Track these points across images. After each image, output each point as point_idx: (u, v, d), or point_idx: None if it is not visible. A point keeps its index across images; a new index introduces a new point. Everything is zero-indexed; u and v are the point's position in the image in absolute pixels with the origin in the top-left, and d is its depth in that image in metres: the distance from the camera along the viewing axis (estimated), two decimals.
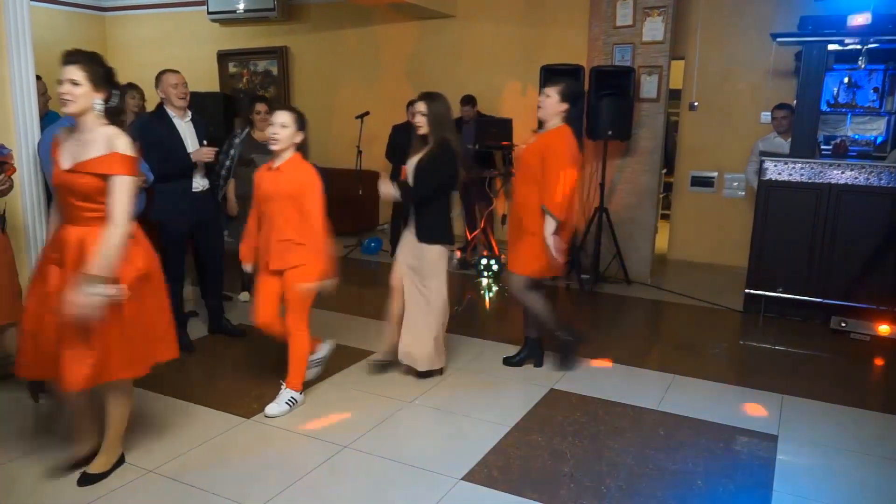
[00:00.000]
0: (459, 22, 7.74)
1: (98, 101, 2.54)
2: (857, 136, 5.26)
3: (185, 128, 4.08)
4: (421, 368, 3.81)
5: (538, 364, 4.11)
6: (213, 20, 8.83)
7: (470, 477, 2.85)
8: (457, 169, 3.73)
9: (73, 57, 2.53)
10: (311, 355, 3.56)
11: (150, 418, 3.33)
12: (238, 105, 8.89)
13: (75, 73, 2.49)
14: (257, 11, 8.45)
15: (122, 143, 2.51)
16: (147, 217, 4.43)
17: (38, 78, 4.01)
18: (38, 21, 4.04)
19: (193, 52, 8.95)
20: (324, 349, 3.74)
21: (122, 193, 2.49)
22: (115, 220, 2.46)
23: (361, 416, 3.42)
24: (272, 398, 3.45)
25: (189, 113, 4.14)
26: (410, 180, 3.70)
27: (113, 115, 2.61)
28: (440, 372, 3.92)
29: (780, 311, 5.14)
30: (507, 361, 4.14)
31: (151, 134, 4.02)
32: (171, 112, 4.06)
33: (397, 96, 7.16)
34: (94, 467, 2.76)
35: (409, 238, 3.80)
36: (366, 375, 3.93)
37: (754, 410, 3.58)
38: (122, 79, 6.16)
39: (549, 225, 3.65)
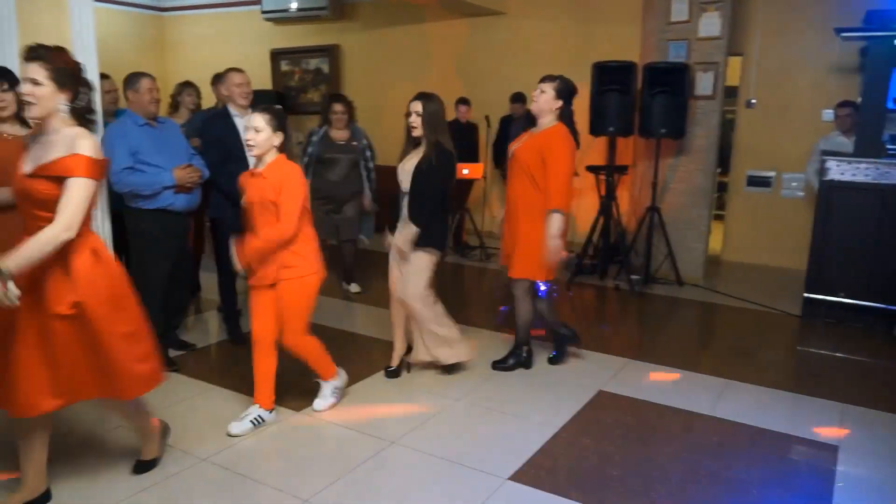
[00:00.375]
0: (510, 19, 7.69)
1: (63, 101, 2.29)
2: None
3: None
4: (444, 363, 3.82)
5: (527, 366, 4.08)
6: (267, 19, 8.98)
7: (517, 477, 2.83)
8: (454, 171, 3.66)
9: (35, 53, 2.23)
10: (329, 380, 3.44)
11: (203, 408, 3.41)
12: (289, 103, 9.05)
13: (37, 71, 2.21)
14: (310, 10, 8.56)
15: (86, 144, 2.25)
16: (202, 213, 4.57)
17: (107, 76, 4.10)
18: (100, 21, 4.17)
19: (247, 50, 9.12)
20: (340, 378, 3.53)
21: (77, 195, 2.22)
22: (59, 222, 2.20)
23: (409, 413, 3.43)
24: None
25: (251, 112, 4.20)
26: (406, 184, 3.58)
27: (82, 116, 2.36)
28: (465, 365, 3.92)
29: (841, 316, 4.96)
30: (553, 361, 4.11)
31: (212, 131, 4.11)
32: (233, 111, 4.13)
33: (447, 94, 7.14)
34: (145, 454, 2.82)
35: (399, 240, 3.67)
36: (414, 371, 3.93)
37: (813, 419, 3.45)
38: (179, 77, 6.36)
39: (556, 224, 3.56)
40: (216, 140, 4.06)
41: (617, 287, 5.88)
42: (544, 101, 3.64)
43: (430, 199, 3.54)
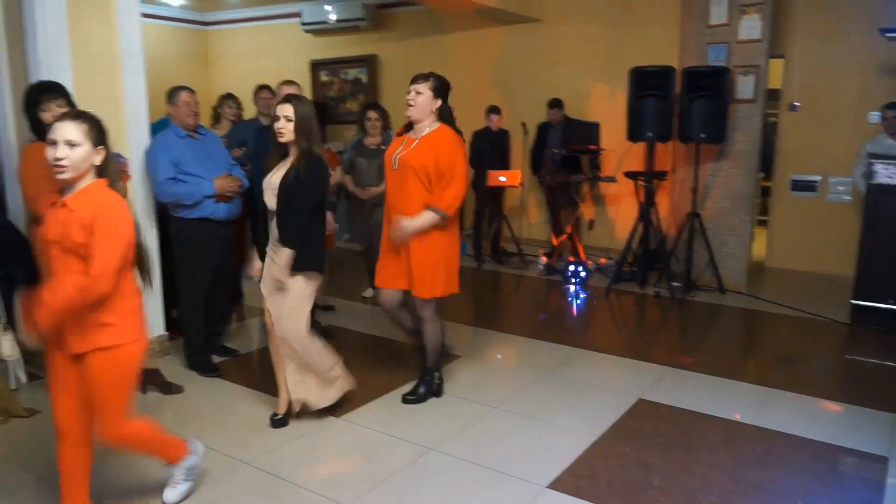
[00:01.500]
0: (546, 25, 7.68)
1: None
2: None
3: None
4: (319, 406, 3.33)
5: (438, 394, 3.72)
6: (307, 31, 9.14)
7: (555, 485, 2.82)
8: (326, 182, 3.23)
9: None
10: (180, 462, 2.65)
11: (246, 413, 3.48)
12: (328, 112, 9.18)
13: None
14: (348, 21, 8.69)
15: None
16: (244, 222, 4.66)
17: (186, 89, 4.01)
18: (147, 35, 4.30)
19: (288, 62, 9.30)
20: (193, 456, 2.70)
21: None
22: None
23: (447, 420, 3.44)
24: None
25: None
26: (273, 199, 3.12)
27: None
28: (340, 403, 3.44)
29: (892, 324, 4.80)
30: (407, 399, 3.64)
31: (261, 142, 4.21)
32: None
33: (483, 102, 7.19)
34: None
35: (274, 268, 3.17)
36: (452, 378, 3.93)
37: (861, 429, 3.36)
38: (222, 89, 6.51)
39: (429, 221, 3.28)
40: (265, 150, 4.14)
41: (657, 294, 5.80)
42: (423, 103, 3.36)
43: (302, 215, 3.10)
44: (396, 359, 4.19)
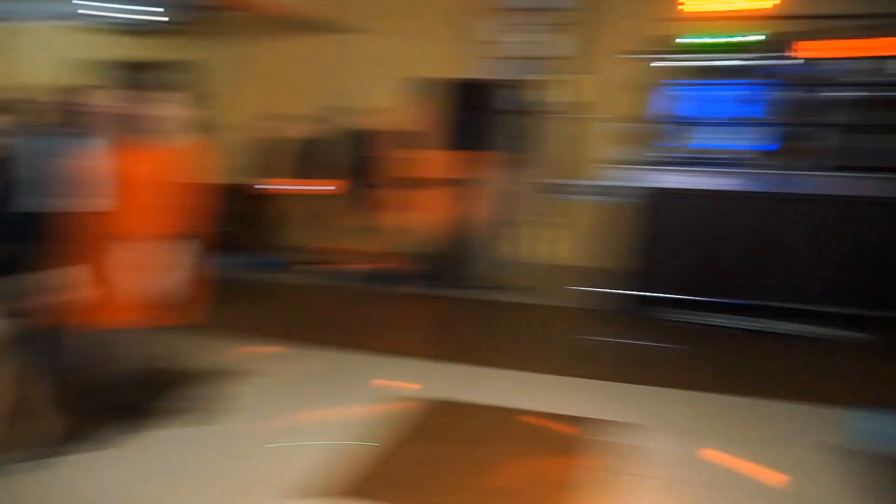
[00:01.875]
0: (359, 36, 7.86)
1: None
2: (723, 146, 5.71)
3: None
4: None
5: (203, 415, 3.50)
6: (119, 31, 8.63)
7: (301, 491, 2.83)
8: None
9: None
10: None
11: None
12: None
13: None
14: (171, 23, 8.29)
15: None
16: None
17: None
18: None
19: (91, 63, 8.68)
20: None
21: None
22: None
23: (212, 441, 3.27)
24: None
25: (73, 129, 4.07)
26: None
27: None
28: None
29: (641, 308, 5.55)
30: (166, 424, 3.40)
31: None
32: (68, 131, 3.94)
33: (304, 108, 7.22)
34: None
35: None
36: (227, 397, 3.68)
37: (616, 402, 3.80)
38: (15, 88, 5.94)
39: (184, 254, 3.08)
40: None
41: (447, 295, 6.07)
42: (176, 115, 3.17)
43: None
44: (172, 388, 3.73)
